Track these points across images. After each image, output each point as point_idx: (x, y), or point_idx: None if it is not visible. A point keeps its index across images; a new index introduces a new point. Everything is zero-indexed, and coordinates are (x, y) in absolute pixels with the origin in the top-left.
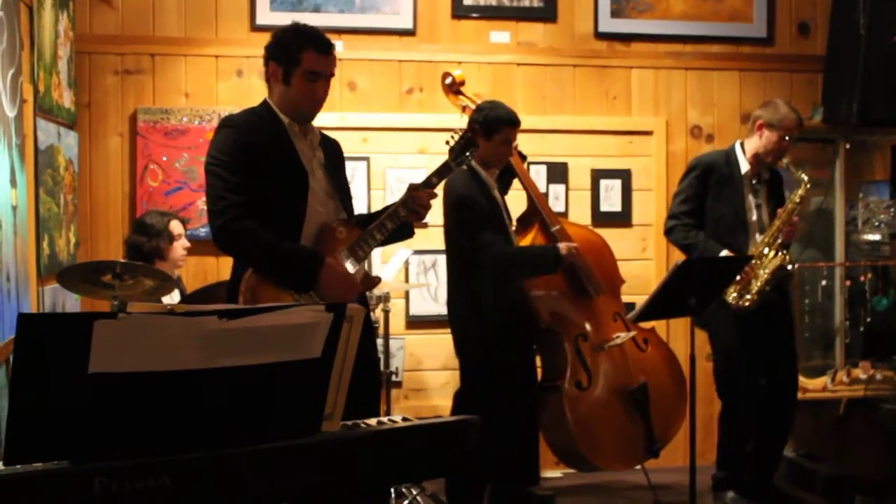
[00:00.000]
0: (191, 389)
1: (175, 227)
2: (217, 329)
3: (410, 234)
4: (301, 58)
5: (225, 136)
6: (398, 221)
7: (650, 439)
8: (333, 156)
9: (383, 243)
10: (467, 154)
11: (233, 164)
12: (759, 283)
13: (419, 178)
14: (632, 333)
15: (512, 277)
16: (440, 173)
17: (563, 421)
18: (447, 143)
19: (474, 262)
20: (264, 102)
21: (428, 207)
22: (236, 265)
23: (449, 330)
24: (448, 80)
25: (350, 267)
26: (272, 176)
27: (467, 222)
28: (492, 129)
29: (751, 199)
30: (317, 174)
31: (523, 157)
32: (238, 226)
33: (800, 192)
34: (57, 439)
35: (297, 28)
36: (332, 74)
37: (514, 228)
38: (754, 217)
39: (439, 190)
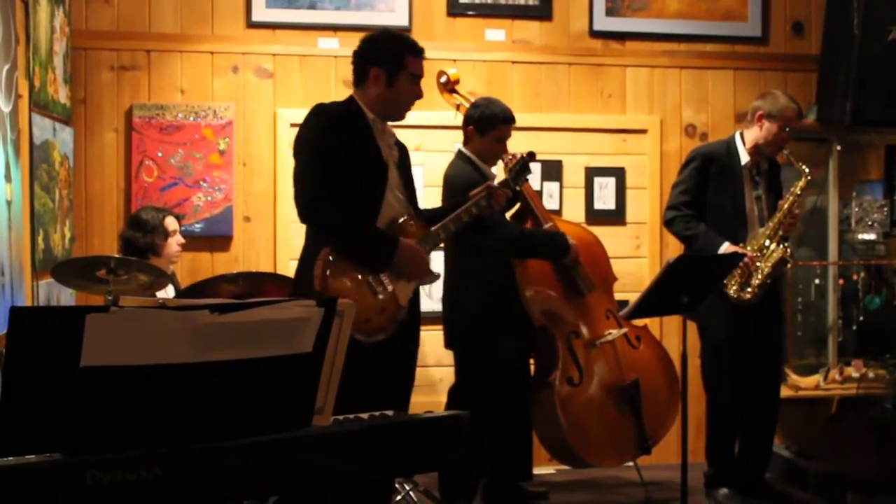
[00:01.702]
0: (182, 383)
1: (170, 223)
2: (208, 323)
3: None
4: (406, 62)
5: (318, 121)
6: (471, 217)
7: (641, 436)
8: (403, 157)
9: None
10: (523, 177)
11: (323, 147)
12: (760, 277)
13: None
14: (623, 330)
15: (519, 258)
16: (504, 185)
17: (555, 417)
18: (506, 163)
19: (475, 255)
20: (352, 99)
21: (503, 200)
22: (310, 241)
23: (443, 326)
24: (443, 79)
25: None
26: (357, 166)
27: None
28: (487, 126)
29: (750, 190)
30: (392, 170)
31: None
32: (326, 204)
33: (800, 184)
34: (49, 432)
35: (394, 34)
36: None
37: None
38: (754, 209)
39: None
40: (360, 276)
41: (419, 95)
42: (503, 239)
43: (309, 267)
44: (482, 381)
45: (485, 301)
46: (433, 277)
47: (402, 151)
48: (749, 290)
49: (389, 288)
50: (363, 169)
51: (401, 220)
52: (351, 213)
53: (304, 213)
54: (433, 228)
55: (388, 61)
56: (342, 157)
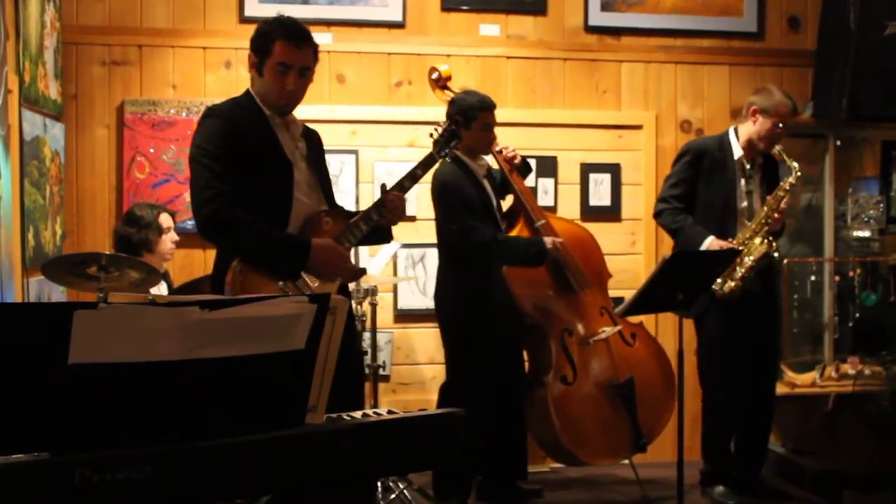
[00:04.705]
0: (172, 381)
1: (164, 219)
2: (199, 320)
3: (388, 239)
4: (273, 48)
5: (211, 126)
6: (371, 224)
7: (637, 434)
8: (315, 147)
9: (360, 243)
10: (451, 146)
11: (219, 153)
12: (742, 270)
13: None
14: (618, 328)
15: (495, 263)
16: (425, 165)
17: (548, 415)
18: (431, 135)
19: (462, 252)
20: (247, 93)
21: (400, 211)
22: (220, 256)
23: (436, 324)
24: (434, 75)
25: None
26: (258, 167)
27: (453, 208)
28: (468, 116)
29: (743, 184)
30: (300, 166)
31: (527, 169)
32: (227, 215)
33: (790, 179)
34: (37, 430)
35: (276, 19)
36: (308, 68)
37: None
38: (745, 203)
39: (418, 185)
40: (275, 285)
41: (286, 88)
42: (477, 245)
43: (219, 279)
44: (471, 380)
45: (469, 302)
46: (358, 274)
47: (312, 143)
48: (731, 283)
49: (310, 291)
50: (265, 170)
51: (315, 217)
52: (252, 222)
53: (201, 227)
54: (353, 221)
55: (258, 46)
56: (241, 160)
